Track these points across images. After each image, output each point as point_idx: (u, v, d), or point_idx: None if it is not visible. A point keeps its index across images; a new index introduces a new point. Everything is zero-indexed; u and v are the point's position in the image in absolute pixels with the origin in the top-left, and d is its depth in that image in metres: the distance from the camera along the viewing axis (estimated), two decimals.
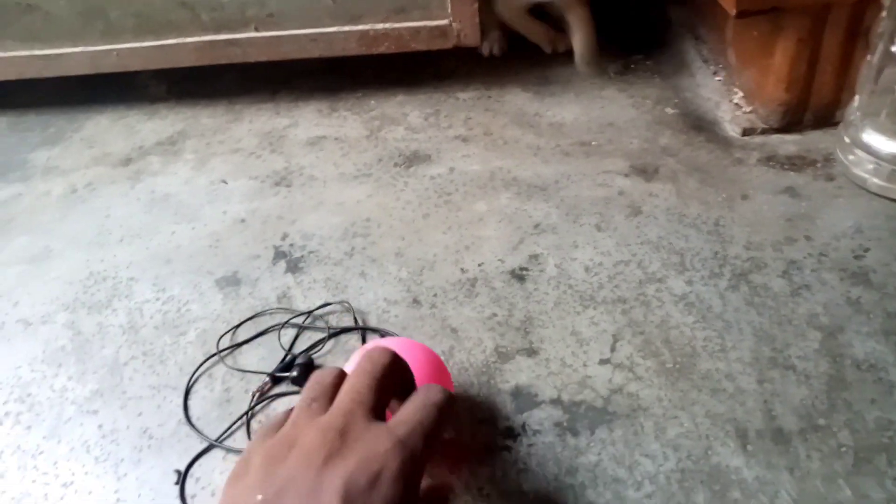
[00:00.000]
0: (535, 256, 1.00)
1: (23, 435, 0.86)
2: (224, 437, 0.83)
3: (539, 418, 0.81)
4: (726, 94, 1.24)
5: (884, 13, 0.97)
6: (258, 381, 0.88)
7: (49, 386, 0.91)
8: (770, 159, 1.12)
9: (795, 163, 1.10)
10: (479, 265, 1.00)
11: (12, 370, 0.93)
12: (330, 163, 1.23)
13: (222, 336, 0.93)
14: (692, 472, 0.74)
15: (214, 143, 1.29)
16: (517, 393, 0.84)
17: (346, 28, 1.25)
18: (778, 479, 0.73)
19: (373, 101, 1.37)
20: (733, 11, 1.01)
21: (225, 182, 1.20)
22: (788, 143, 1.14)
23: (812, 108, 1.13)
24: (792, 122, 1.14)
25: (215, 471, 0.80)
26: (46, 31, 1.28)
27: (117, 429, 0.85)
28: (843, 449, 0.74)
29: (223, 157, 1.26)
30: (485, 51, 1.43)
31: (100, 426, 0.85)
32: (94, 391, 0.90)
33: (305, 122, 1.33)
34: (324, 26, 1.25)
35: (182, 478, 0.79)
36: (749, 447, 0.76)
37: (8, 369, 0.93)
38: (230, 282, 1.02)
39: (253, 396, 0.87)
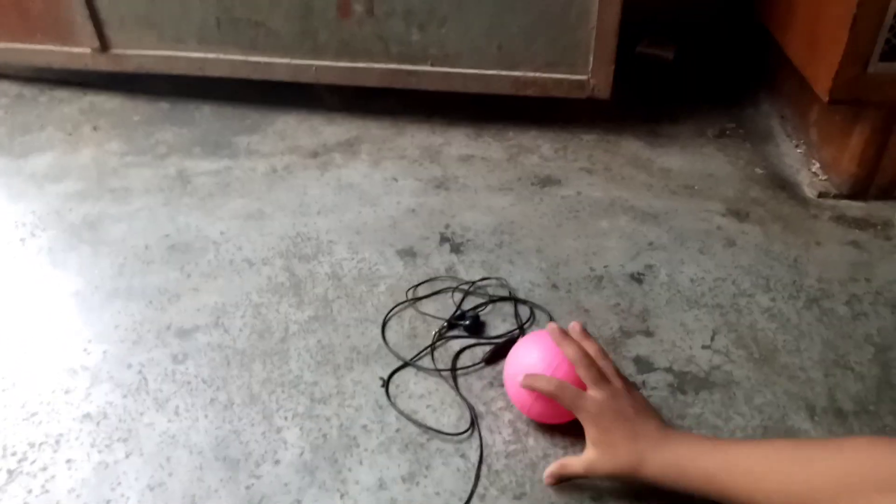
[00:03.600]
0: (649, 266, 1.28)
1: (258, 342, 1.14)
2: (415, 359, 1.10)
3: (655, 379, 1.07)
4: (805, 164, 1.52)
5: None
6: (437, 325, 1.16)
7: (275, 309, 1.19)
8: (840, 218, 1.39)
9: (860, 224, 1.37)
10: (605, 267, 1.28)
11: (244, 294, 1.22)
12: (479, 176, 1.52)
13: (409, 289, 1.22)
14: (772, 429, 1.00)
15: (384, 150, 1.60)
16: (638, 360, 1.10)
17: (504, 73, 1.56)
18: None
19: (511, 133, 1.67)
20: (826, 98, 1.29)
21: (396, 180, 1.50)
22: (855, 209, 1.41)
23: (877, 183, 1.41)
24: (860, 191, 1.41)
25: (410, 382, 1.07)
26: (265, 43, 1.61)
27: (332, 344, 1.13)
28: (888, 428, 0.99)
29: (392, 160, 1.56)
30: None
31: (318, 341, 1.13)
32: (311, 317, 1.18)
33: (456, 142, 1.63)
34: (486, 69, 1.56)
35: (386, 383, 1.07)
36: (816, 418, 1.01)
37: (241, 293, 1.22)
38: (408, 253, 1.31)
39: (435, 334, 1.14)
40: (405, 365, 1.09)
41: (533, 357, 0.95)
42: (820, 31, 1.33)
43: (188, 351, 1.12)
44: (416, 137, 1.64)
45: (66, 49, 1.71)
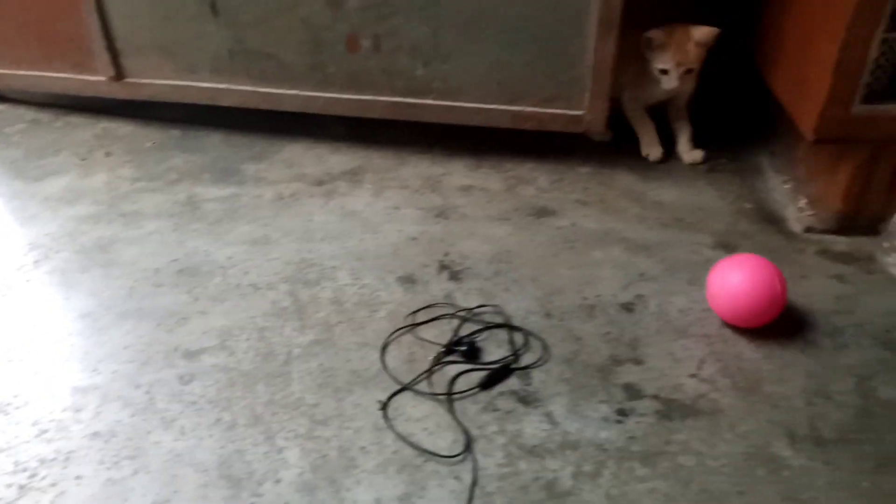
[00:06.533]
0: (640, 296, 1.32)
1: (262, 364, 1.18)
2: (413, 383, 1.14)
3: (644, 406, 1.11)
4: (793, 199, 1.57)
5: None
6: (435, 350, 1.20)
7: (279, 332, 1.24)
8: (825, 252, 1.43)
9: (845, 258, 1.42)
10: (597, 296, 1.32)
11: (249, 318, 1.27)
12: (478, 206, 1.57)
13: (408, 315, 1.26)
14: (755, 454, 1.04)
15: (387, 179, 1.66)
16: (627, 387, 1.15)
17: (504, 107, 1.62)
18: (816, 469, 1.02)
19: (509, 164, 1.72)
20: (811, 137, 1.35)
21: (397, 208, 1.56)
22: (840, 243, 1.46)
23: (862, 218, 1.46)
24: (845, 227, 1.46)
25: (407, 405, 1.11)
26: (275, 75, 1.67)
27: (333, 367, 1.17)
28: (867, 456, 1.03)
29: (395, 190, 1.62)
30: (596, 137, 1.77)
31: (320, 364, 1.18)
32: (313, 340, 1.22)
33: (456, 173, 1.69)
34: (487, 103, 1.62)
35: (384, 406, 1.11)
36: (797, 445, 1.05)
37: (247, 317, 1.27)
38: (408, 280, 1.36)
39: (432, 360, 1.19)
40: (403, 389, 1.14)
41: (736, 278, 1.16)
42: (806, 73, 1.39)
43: (195, 372, 1.16)
44: (417, 168, 1.70)
45: (82, 77, 1.78)
